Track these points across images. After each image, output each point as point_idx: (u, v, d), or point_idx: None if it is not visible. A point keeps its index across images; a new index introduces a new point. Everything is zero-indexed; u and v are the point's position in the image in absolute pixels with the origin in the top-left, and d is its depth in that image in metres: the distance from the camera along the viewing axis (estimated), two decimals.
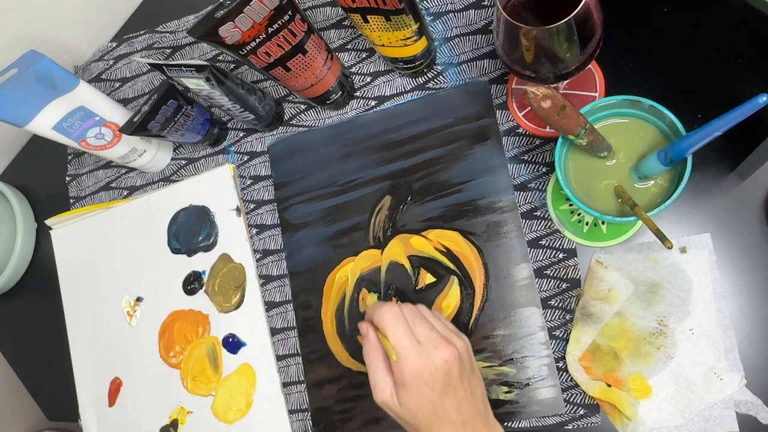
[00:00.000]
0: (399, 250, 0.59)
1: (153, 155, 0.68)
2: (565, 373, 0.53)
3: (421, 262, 0.58)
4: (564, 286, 0.55)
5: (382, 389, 0.45)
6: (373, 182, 0.61)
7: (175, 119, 0.60)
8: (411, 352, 0.43)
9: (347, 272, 0.60)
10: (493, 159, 0.58)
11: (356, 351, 0.59)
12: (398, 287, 0.58)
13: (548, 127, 0.57)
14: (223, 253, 0.65)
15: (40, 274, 0.76)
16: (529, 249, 0.56)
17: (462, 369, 0.44)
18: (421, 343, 0.44)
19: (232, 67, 0.69)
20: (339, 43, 0.65)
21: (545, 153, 0.57)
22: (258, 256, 0.64)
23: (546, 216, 0.56)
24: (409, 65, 0.58)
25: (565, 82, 0.56)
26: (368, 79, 0.63)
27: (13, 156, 0.81)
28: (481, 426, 0.45)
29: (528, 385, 0.54)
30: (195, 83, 0.55)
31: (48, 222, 0.72)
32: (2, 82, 0.56)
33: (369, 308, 0.47)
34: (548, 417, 0.53)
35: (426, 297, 0.57)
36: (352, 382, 0.59)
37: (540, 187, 0.56)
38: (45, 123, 0.59)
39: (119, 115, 0.64)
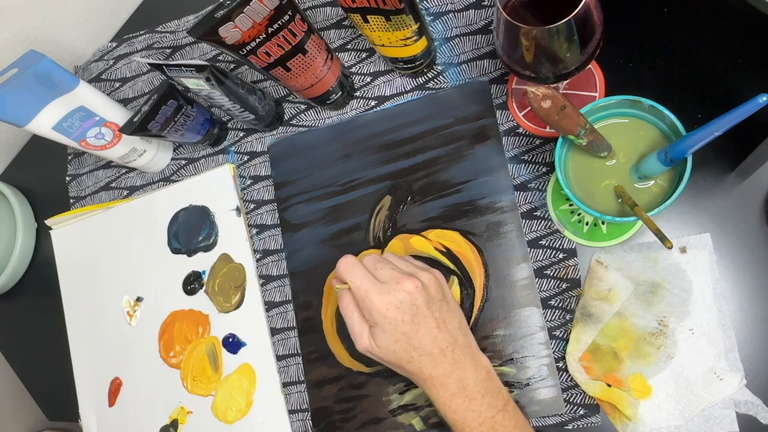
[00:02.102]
0: (399, 250, 0.59)
1: (153, 155, 0.68)
2: (565, 373, 0.53)
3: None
4: (564, 286, 0.55)
5: (360, 336, 0.46)
6: (373, 182, 0.61)
7: (175, 119, 0.60)
8: (372, 292, 0.44)
9: None
10: (493, 159, 0.58)
11: (356, 351, 0.59)
12: None
13: (548, 127, 0.57)
14: (223, 253, 0.65)
15: (40, 274, 0.76)
16: (529, 249, 0.56)
17: (429, 299, 0.45)
18: (384, 282, 0.45)
19: (232, 67, 0.69)
20: (339, 43, 0.65)
21: (545, 153, 0.57)
22: (258, 256, 0.64)
23: (546, 216, 0.56)
24: (409, 65, 0.58)
25: (565, 82, 0.56)
26: (368, 79, 0.64)
27: (13, 156, 0.81)
28: (461, 353, 0.46)
29: (528, 385, 0.54)
30: (195, 83, 0.55)
31: (48, 222, 0.72)
32: (2, 82, 0.56)
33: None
34: (548, 417, 0.53)
35: None
36: (352, 382, 0.59)
37: (540, 187, 0.56)
38: (45, 123, 0.59)
39: (119, 115, 0.64)
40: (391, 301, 0.44)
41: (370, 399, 0.58)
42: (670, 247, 0.40)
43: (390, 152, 0.61)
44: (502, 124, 0.58)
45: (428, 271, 0.48)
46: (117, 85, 0.75)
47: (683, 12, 0.54)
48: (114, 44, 0.77)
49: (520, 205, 0.57)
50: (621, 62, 0.55)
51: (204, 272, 0.65)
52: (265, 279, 0.64)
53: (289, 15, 0.50)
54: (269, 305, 0.63)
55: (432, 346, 0.45)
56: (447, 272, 0.57)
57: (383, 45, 0.54)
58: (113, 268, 0.69)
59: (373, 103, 0.63)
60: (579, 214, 0.55)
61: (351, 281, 0.46)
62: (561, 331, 0.54)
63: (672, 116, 0.43)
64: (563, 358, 0.53)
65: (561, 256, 0.55)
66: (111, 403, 0.67)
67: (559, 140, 0.46)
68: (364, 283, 0.45)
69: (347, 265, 0.46)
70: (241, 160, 0.67)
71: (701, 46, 0.53)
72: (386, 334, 0.45)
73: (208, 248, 0.65)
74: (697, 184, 0.53)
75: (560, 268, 0.55)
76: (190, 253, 0.66)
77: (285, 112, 0.66)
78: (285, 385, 0.61)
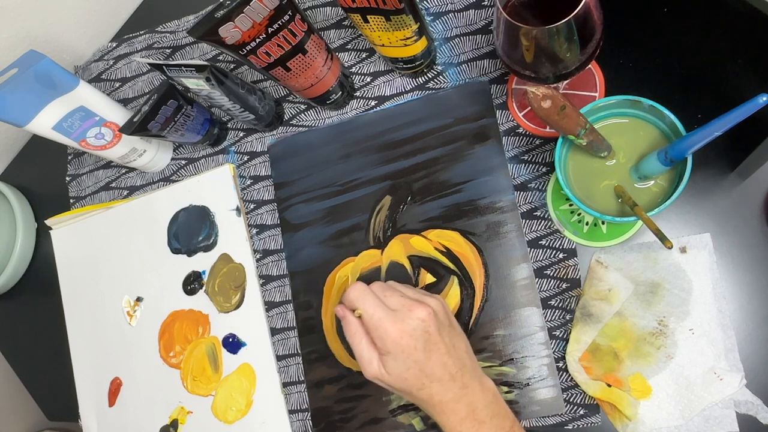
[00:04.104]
0: (399, 250, 0.59)
1: (153, 155, 0.68)
2: (565, 373, 0.53)
3: (421, 262, 0.58)
4: (564, 286, 0.55)
5: (369, 363, 0.46)
6: (373, 182, 0.61)
7: (175, 119, 0.60)
8: (386, 320, 0.44)
9: (347, 272, 0.60)
10: (493, 159, 0.58)
11: None
12: None
13: (548, 127, 0.57)
14: (223, 253, 0.65)
15: (40, 274, 0.76)
16: (529, 249, 0.56)
17: (439, 326, 0.46)
18: (395, 310, 0.45)
19: (232, 67, 0.69)
20: (339, 43, 0.65)
21: (545, 153, 0.57)
22: (258, 256, 0.64)
23: (546, 216, 0.56)
24: (409, 65, 0.58)
25: (565, 82, 0.56)
26: (368, 79, 0.64)
27: (13, 156, 0.81)
28: (469, 378, 0.46)
29: (528, 385, 0.54)
30: (195, 83, 0.55)
31: (48, 222, 0.72)
32: (2, 82, 0.56)
33: (344, 294, 0.48)
34: (548, 417, 0.53)
35: None
36: (352, 382, 0.59)
37: (540, 187, 0.56)
38: (45, 123, 0.59)
39: (119, 115, 0.64)
40: (405, 329, 0.44)
41: (370, 399, 0.58)
42: (670, 247, 0.40)
43: (390, 152, 0.61)
44: (502, 124, 0.58)
45: (433, 297, 0.48)
46: (117, 85, 0.75)
47: (683, 12, 0.54)
48: (114, 44, 0.77)
49: (520, 205, 0.57)
50: (621, 62, 0.55)
51: (204, 272, 0.65)
52: (265, 279, 0.64)
53: (289, 15, 0.50)
54: (269, 305, 0.63)
55: (443, 372, 0.45)
56: (447, 272, 0.57)
57: (383, 45, 0.54)
58: (113, 268, 0.69)
59: (373, 103, 0.63)
60: (579, 214, 0.55)
61: (363, 309, 0.45)
62: (561, 331, 0.54)
63: (672, 116, 0.43)
64: (563, 358, 0.53)
65: (561, 256, 0.55)
66: (111, 403, 0.67)
67: (559, 140, 0.46)
68: (377, 311, 0.45)
69: (358, 293, 0.46)
70: (241, 160, 0.67)
71: (701, 46, 0.53)
72: (398, 362, 0.44)
73: (208, 248, 0.65)
74: (697, 184, 0.53)
75: (560, 268, 0.55)
76: (190, 253, 0.66)
77: (285, 112, 0.66)
78: (285, 385, 0.61)
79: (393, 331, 0.44)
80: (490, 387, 0.47)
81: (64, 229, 0.72)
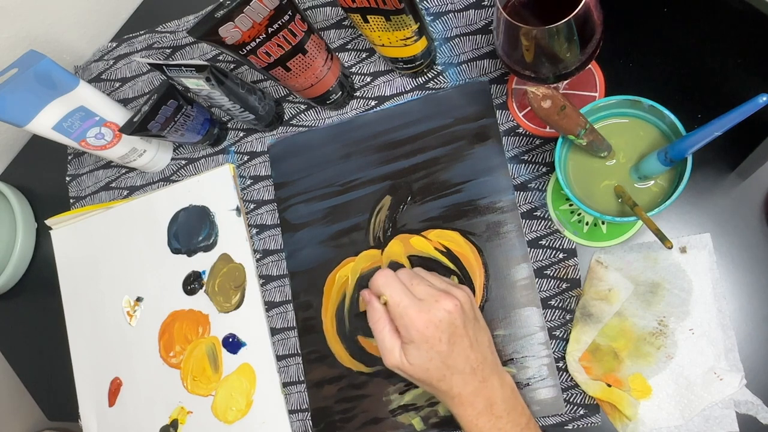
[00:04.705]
0: (399, 250, 0.59)
1: (153, 155, 0.68)
2: (565, 373, 0.53)
3: (421, 262, 0.58)
4: (564, 286, 0.55)
5: (391, 352, 0.45)
6: (373, 182, 0.61)
7: (175, 119, 0.60)
8: (412, 309, 0.44)
9: (347, 272, 0.60)
10: (493, 159, 0.58)
11: (356, 351, 0.59)
12: None
13: (548, 127, 0.57)
14: (223, 253, 0.65)
15: (40, 274, 0.76)
16: (529, 249, 0.56)
17: (465, 319, 0.45)
18: (422, 299, 0.45)
19: (232, 67, 0.69)
20: (339, 43, 0.65)
21: (545, 153, 0.57)
22: (258, 256, 0.64)
23: (546, 216, 0.56)
24: (409, 65, 0.58)
25: (565, 82, 0.56)
26: (368, 79, 0.63)
27: (13, 156, 0.81)
28: (490, 372, 0.46)
29: (528, 385, 0.54)
30: (195, 83, 0.55)
31: (48, 222, 0.72)
32: (2, 82, 0.56)
33: (371, 280, 0.47)
34: (548, 417, 0.53)
35: None
36: (352, 382, 0.59)
37: (540, 187, 0.56)
38: (45, 123, 0.59)
39: (119, 115, 0.64)
40: (431, 320, 0.44)
41: (370, 399, 0.58)
42: (670, 247, 0.40)
43: (390, 152, 0.61)
44: (502, 124, 0.58)
45: (460, 288, 0.48)
46: (117, 85, 0.75)
47: (683, 12, 0.54)
48: (114, 44, 0.77)
49: (520, 205, 0.57)
50: (621, 62, 0.55)
51: (204, 272, 0.65)
52: (265, 279, 0.64)
53: (289, 15, 0.50)
54: (269, 305, 0.63)
55: (465, 365, 0.45)
56: (447, 272, 0.57)
57: (383, 45, 0.54)
58: (113, 268, 0.69)
59: (373, 103, 0.63)
60: (579, 214, 0.55)
61: (390, 296, 0.45)
62: (561, 331, 0.54)
63: (672, 116, 0.43)
64: (563, 358, 0.53)
65: (561, 256, 0.55)
66: (111, 403, 0.67)
67: (559, 140, 0.46)
68: (404, 299, 0.44)
69: (385, 279, 0.45)
70: (241, 160, 0.67)
71: (701, 46, 0.53)
72: (421, 352, 0.44)
73: (208, 248, 0.65)
74: (697, 184, 0.53)
75: (560, 268, 0.55)
76: (190, 253, 0.66)
77: (285, 112, 0.66)
78: (285, 385, 0.61)
79: (419, 320, 0.43)
80: (509, 382, 0.47)
81: (64, 229, 0.72)
